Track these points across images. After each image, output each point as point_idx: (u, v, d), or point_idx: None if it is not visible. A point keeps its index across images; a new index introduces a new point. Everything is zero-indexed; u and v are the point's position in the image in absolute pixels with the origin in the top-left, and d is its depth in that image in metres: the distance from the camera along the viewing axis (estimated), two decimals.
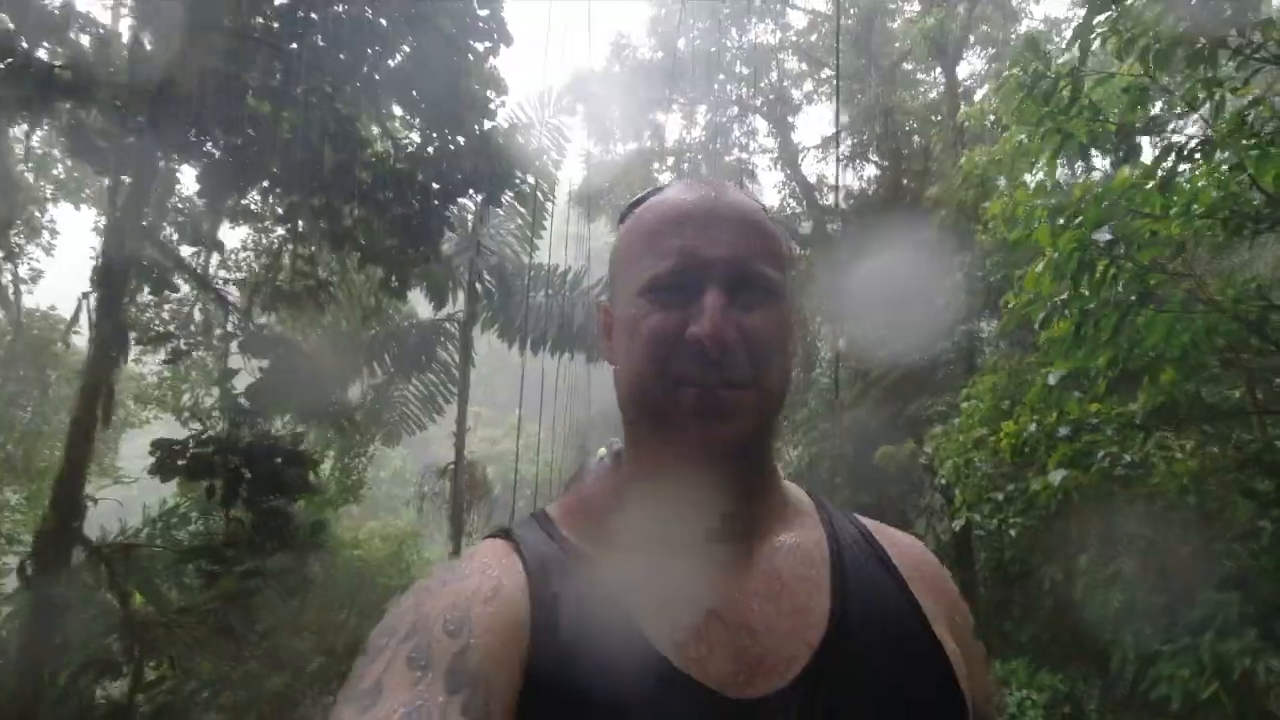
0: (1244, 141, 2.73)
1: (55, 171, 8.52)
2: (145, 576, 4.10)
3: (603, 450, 0.73)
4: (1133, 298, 2.75)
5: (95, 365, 3.28)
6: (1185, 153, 3.07)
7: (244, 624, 3.58)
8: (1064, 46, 3.27)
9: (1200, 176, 2.95)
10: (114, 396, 3.58)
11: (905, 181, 13.38)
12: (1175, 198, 3.18)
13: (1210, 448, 3.62)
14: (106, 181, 8.31)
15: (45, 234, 9.18)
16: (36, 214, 9.01)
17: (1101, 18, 3.26)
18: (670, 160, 16.93)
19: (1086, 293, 2.80)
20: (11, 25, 4.29)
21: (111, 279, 3.52)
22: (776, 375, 0.63)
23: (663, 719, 0.55)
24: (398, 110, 5.56)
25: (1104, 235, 2.67)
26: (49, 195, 8.92)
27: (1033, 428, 3.46)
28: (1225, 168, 2.92)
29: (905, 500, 11.10)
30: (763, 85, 16.25)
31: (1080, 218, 2.72)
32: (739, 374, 0.60)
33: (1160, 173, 3.06)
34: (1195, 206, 2.90)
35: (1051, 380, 3.12)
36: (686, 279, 0.61)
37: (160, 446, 3.98)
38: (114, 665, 3.39)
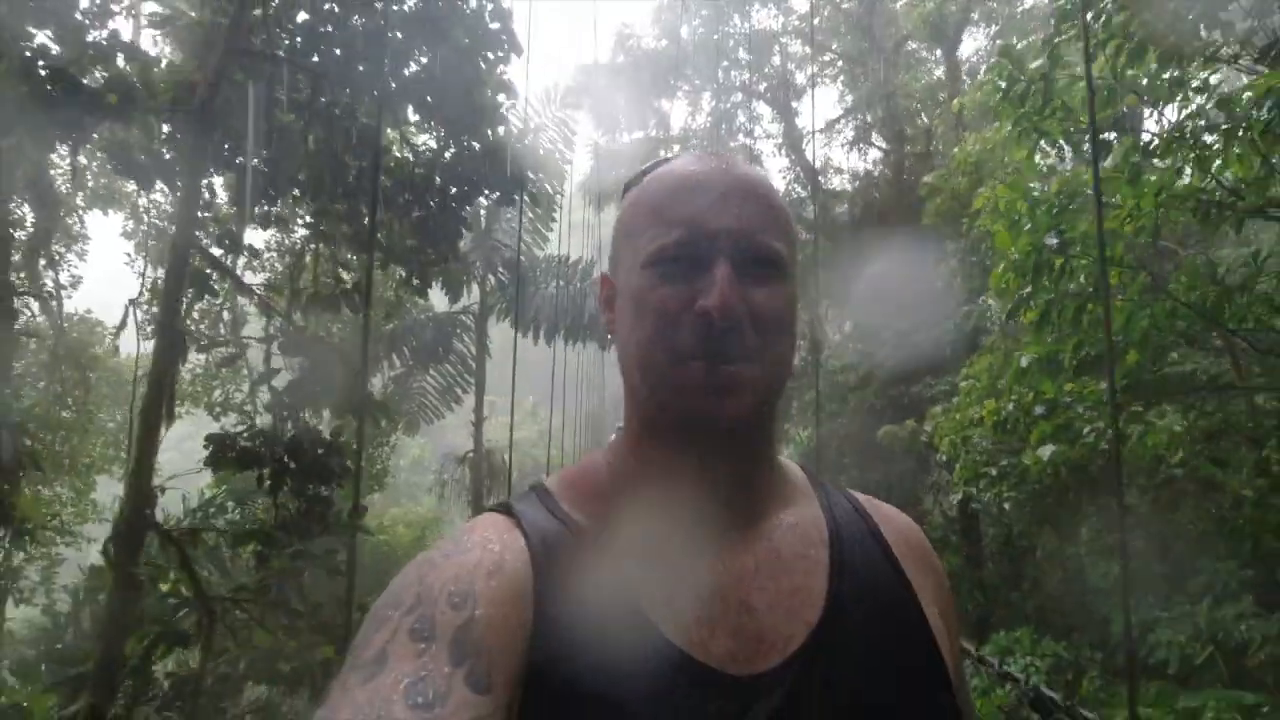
0: (1197, 141, 2.99)
1: (88, 180, 8.91)
2: (195, 559, 4.50)
3: (613, 437, 0.74)
4: (1090, 290, 3.04)
5: (158, 367, 3.65)
6: (1149, 149, 3.33)
7: (297, 599, 3.98)
8: (1038, 52, 3.52)
9: (1168, 172, 3.21)
10: (175, 396, 3.97)
11: (908, 164, 13.54)
12: (1145, 190, 3.44)
13: (1184, 420, 3.89)
14: (141, 193, 8.73)
15: (79, 241, 9.60)
16: (69, 222, 9.43)
17: (1076, 23, 3.52)
18: (676, 148, 17.16)
19: (1048, 284, 3.08)
20: (56, 50, 4.63)
21: (170, 288, 3.88)
22: (782, 352, 0.63)
23: (662, 696, 0.55)
24: (415, 118, 5.87)
25: (1051, 240, 2.95)
26: (82, 204, 9.33)
27: (1010, 406, 3.75)
28: (1187, 162, 3.18)
29: (914, 478, 11.38)
30: (766, 70, 16.39)
31: (1029, 224, 3.00)
32: (746, 349, 0.59)
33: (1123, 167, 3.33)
34: (1161, 196, 3.17)
35: (1024, 363, 3.42)
36: (694, 250, 0.61)
37: (213, 440, 4.36)
38: (185, 637, 3.79)
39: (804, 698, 0.57)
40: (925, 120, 14.81)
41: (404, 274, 6.53)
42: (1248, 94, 3.07)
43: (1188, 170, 3.44)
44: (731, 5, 15.98)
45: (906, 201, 12.16)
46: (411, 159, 5.90)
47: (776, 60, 16.54)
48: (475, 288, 11.42)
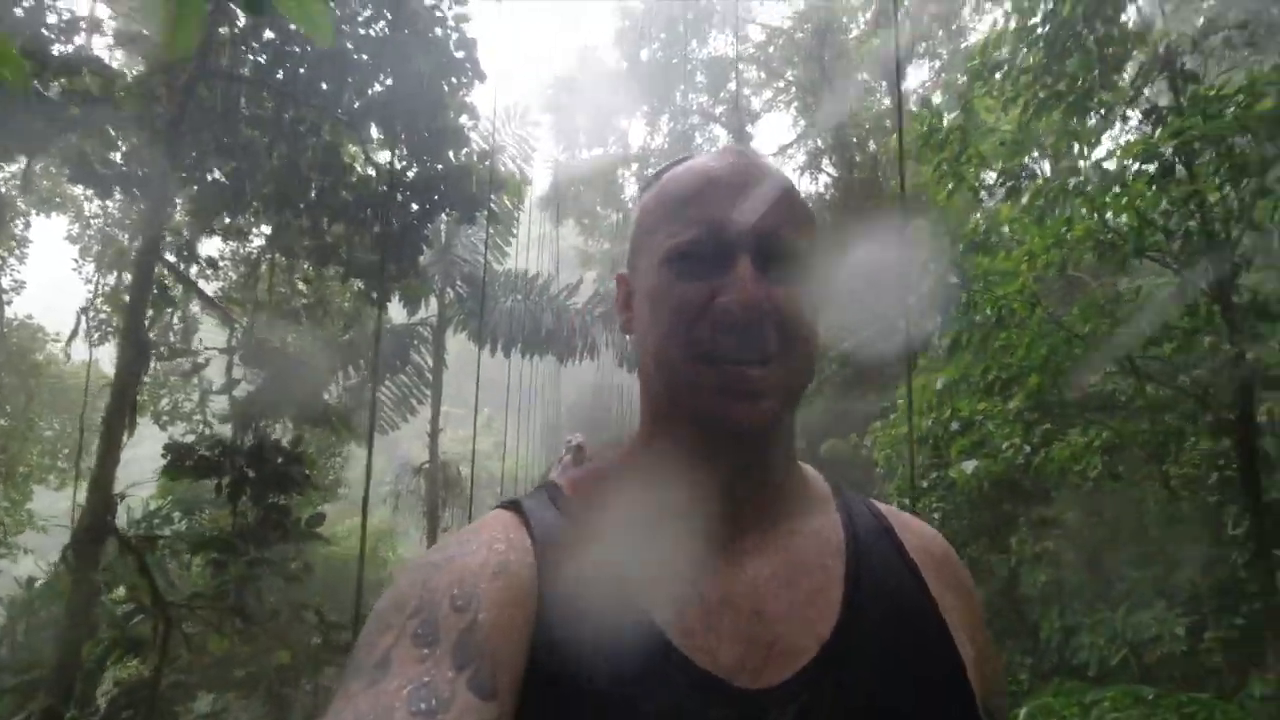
0: (1083, 191, 3.40)
1: (37, 186, 8.77)
2: (151, 565, 4.56)
3: (564, 452, 0.82)
4: (993, 321, 3.43)
5: (122, 377, 3.73)
6: (1051, 194, 3.74)
7: (255, 605, 4.07)
8: (954, 107, 3.95)
9: (1061, 219, 3.63)
10: (137, 407, 4.04)
11: (856, 189, 14.13)
12: (1049, 229, 3.86)
13: (1083, 436, 4.32)
14: (88, 198, 8.62)
15: (22, 245, 9.40)
16: (13, 226, 9.25)
17: (988, 80, 3.95)
18: (635, 166, 17.56)
19: (956, 314, 3.46)
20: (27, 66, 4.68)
21: (135, 299, 3.97)
22: (806, 353, 0.61)
23: (667, 705, 0.54)
24: (378, 136, 6.03)
25: (951, 278, 3.34)
26: (24, 207, 9.16)
27: (929, 423, 4.12)
28: (1079, 209, 3.61)
29: (859, 491, 11.84)
30: (721, 95, 16.93)
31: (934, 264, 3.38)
32: (768, 349, 0.58)
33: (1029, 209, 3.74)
34: (1048, 242, 3.59)
35: (939, 385, 3.78)
36: (715, 247, 0.59)
37: (171, 449, 4.44)
38: (141, 644, 3.85)
39: (814, 714, 0.55)
40: (874, 147, 15.48)
41: (364, 287, 6.67)
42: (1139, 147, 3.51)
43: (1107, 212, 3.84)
44: (690, 30, 16.49)
45: (854, 225, 12.70)
46: (374, 176, 6.05)
47: (732, 85, 17.10)
48: (434, 300, 11.53)
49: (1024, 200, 3.87)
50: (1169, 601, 6.98)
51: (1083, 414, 4.52)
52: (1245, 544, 4.87)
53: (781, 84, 16.75)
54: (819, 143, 15.42)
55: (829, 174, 15.27)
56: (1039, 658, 8.51)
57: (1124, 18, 3.68)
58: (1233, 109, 3.10)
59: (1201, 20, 3.28)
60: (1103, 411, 4.80)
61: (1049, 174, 4.24)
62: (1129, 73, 4.03)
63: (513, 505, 0.64)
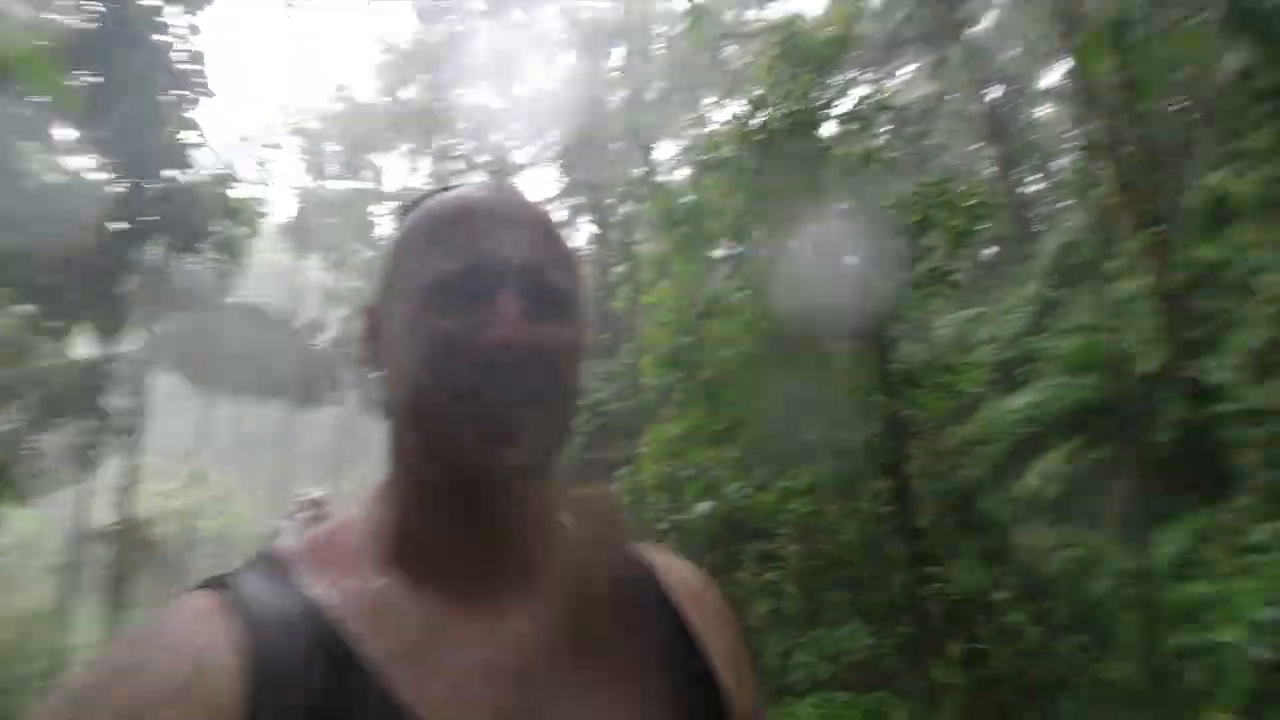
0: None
1: None
2: None
3: (296, 509, 0.70)
4: (715, 380, 3.96)
5: None
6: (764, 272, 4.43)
7: None
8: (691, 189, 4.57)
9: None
10: None
11: (611, 250, 15.09)
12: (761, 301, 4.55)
13: (790, 480, 5.05)
14: None
15: None
16: None
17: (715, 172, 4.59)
18: (389, 204, 16.93)
19: (687, 373, 3.94)
20: None
21: None
22: (569, 397, 0.58)
23: None
24: (76, 141, 5.14)
25: (683, 339, 3.84)
26: None
27: (668, 469, 4.55)
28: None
29: None
30: (485, 144, 17.14)
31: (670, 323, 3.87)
32: (530, 391, 0.54)
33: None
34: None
35: (670, 435, 4.22)
36: (477, 281, 0.56)
37: None
38: None
39: None
40: (630, 209, 16.67)
41: (40, 312, 5.54)
42: None
43: None
44: (453, 76, 16.54)
45: (608, 281, 13.51)
46: (66, 186, 5.10)
47: (496, 136, 17.40)
48: (138, 332, 9.89)
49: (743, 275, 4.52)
50: (860, 617, 8.25)
51: (790, 460, 5.27)
52: (906, 565, 5.98)
53: (548, 139, 17.43)
54: (577, 201, 16.25)
55: (588, 231, 16.14)
56: (762, 680, 9.50)
57: (817, 134, 4.56)
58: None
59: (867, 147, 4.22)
60: (807, 458, 5.65)
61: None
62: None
63: (217, 583, 0.53)
